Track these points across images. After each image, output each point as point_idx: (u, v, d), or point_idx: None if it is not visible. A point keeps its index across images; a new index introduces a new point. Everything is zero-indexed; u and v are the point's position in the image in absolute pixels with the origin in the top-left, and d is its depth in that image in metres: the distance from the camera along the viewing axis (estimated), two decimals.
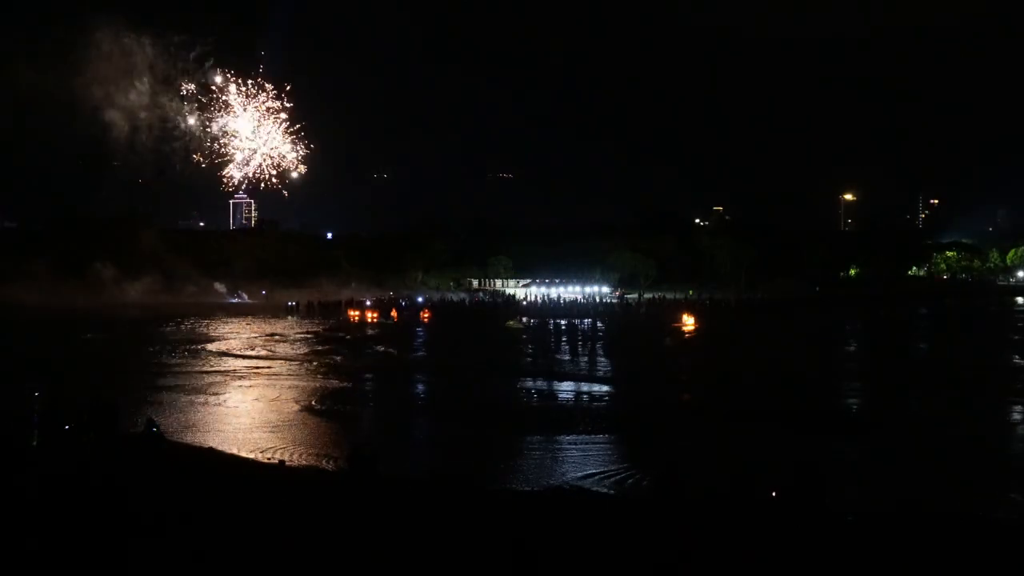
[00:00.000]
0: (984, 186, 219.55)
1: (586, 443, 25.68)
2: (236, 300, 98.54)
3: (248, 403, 32.74)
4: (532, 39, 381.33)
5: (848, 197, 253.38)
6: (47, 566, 11.86)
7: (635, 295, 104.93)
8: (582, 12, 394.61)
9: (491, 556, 11.98)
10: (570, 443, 25.66)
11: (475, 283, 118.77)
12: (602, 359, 49.03)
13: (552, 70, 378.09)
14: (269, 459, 22.52)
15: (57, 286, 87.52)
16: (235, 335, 59.73)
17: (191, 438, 25.23)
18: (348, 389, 36.91)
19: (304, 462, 22.77)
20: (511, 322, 67.76)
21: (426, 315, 77.95)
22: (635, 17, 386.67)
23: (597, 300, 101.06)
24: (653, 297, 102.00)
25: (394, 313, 77.84)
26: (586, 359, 48.00)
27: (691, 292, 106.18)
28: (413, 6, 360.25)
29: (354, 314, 76.76)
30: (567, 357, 48.82)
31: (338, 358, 47.71)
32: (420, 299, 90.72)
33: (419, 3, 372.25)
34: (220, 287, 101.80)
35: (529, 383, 38.49)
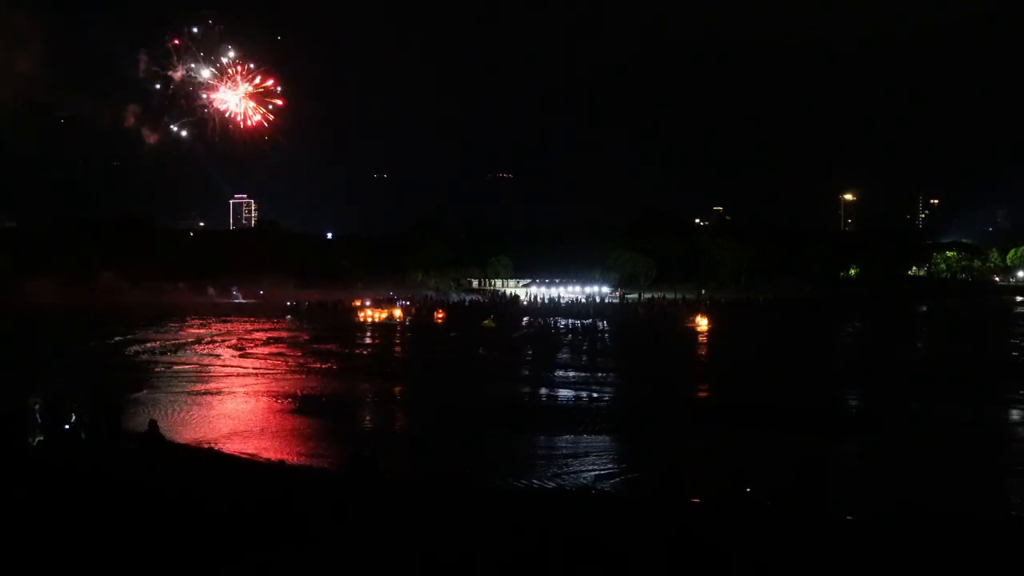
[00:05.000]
0: (984, 186, 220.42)
1: (587, 443, 25.69)
2: (234, 301, 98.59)
3: (247, 404, 32.74)
4: (533, 38, 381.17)
5: (848, 197, 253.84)
6: (49, 566, 11.86)
7: (635, 295, 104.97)
8: (586, 12, 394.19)
9: (492, 556, 11.98)
10: (571, 443, 25.68)
11: (475, 283, 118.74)
12: (607, 360, 49.00)
13: (553, 70, 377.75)
14: (268, 459, 22.52)
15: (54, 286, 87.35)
16: (234, 335, 59.70)
17: (190, 438, 25.22)
18: (349, 389, 36.93)
19: (304, 462, 22.78)
20: (486, 321, 68.40)
21: (440, 315, 77.82)
22: (638, 17, 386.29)
23: (597, 300, 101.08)
24: (652, 297, 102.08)
25: (399, 312, 77.89)
26: (588, 360, 47.98)
27: (703, 291, 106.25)
28: (413, 9, 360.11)
29: (365, 314, 76.85)
30: (575, 358, 48.82)
31: (338, 358, 47.72)
32: (401, 301, 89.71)
33: (419, 5, 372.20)
34: (216, 288, 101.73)
35: (531, 384, 38.50)
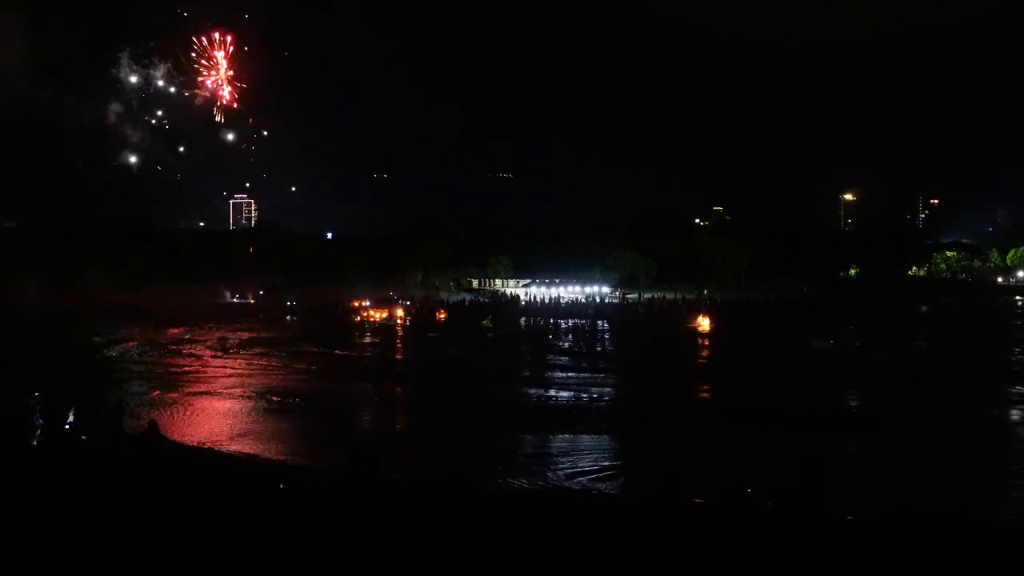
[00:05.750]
0: (984, 186, 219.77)
1: (588, 443, 25.69)
2: (234, 301, 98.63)
3: (247, 404, 32.73)
4: (533, 38, 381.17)
5: (848, 197, 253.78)
6: (49, 566, 11.86)
7: (635, 295, 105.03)
8: (586, 12, 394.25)
9: (492, 557, 11.98)
10: (570, 442, 25.67)
11: (475, 283, 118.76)
12: (607, 361, 49.00)
13: (553, 69, 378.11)
14: (268, 459, 22.53)
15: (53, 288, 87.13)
16: (233, 335, 59.70)
17: (190, 438, 25.22)
18: (348, 389, 36.93)
19: (304, 462, 22.78)
20: (484, 321, 68.62)
21: (442, 315, 77.85)
22: (641, 19, 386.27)
23: (597, 300, 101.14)
24: (652, 297, 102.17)
25: (400, 312, 77.90)
26: (588, 360, 47.96)
27: (704, 291, 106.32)
28: (414, 10, 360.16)
29: (367, 315, 76.91)
30: (564, 358, 48.80)
31: (337, 359, 47.74)
32: (400, 301, 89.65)
33: (419, 7, 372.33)
34: (216, 288, 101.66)
35: (532, 384, 38.49)
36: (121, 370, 41.58)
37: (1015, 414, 33.06)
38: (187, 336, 58.76)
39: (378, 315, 76.44)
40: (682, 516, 15.82)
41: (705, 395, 37.38)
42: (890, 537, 14.63)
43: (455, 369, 44.49)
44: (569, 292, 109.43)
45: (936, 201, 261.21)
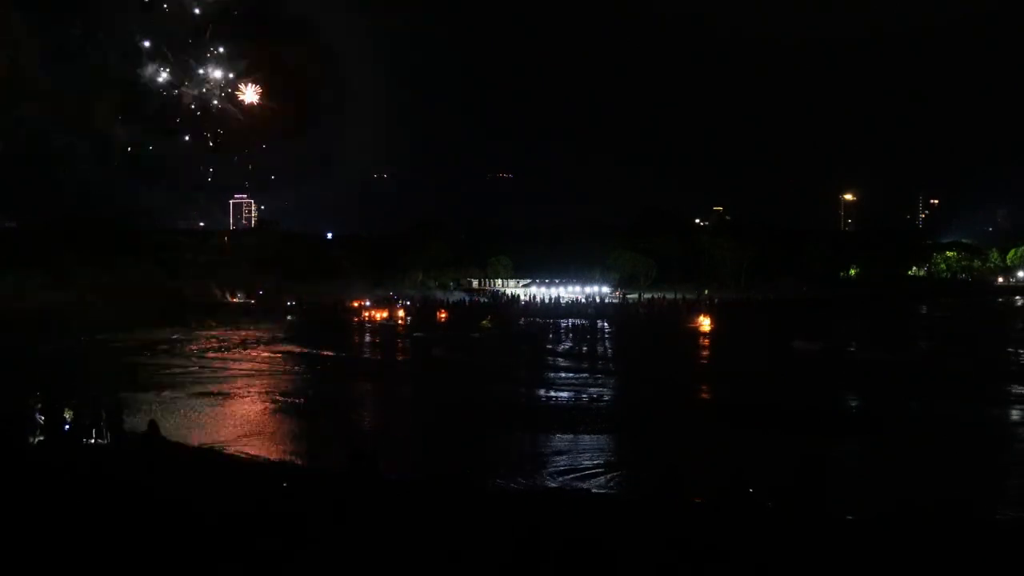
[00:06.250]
0: (984, 186, 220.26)
1: (588, 442, 25.69)
2: (234, 301, 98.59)
3: (246, 404, 32.73)
4: (533, 38, 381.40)
5: (848, 197, 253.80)
6: (49, 566, 11.86)
7: (635, 295, 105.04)
8: (591, 13, 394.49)
9: (492, 557, 11.98)
10: (570, 442, 25.67)
11: (475, 283, 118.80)
12: (610, 360, 48.99)
13: (553, 69, 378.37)
14: (268, 459, 22.52)
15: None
16: (233, 336, 59.68)
17: (190, 438, 25.21)
18: (348, 389, 36.93)
19: (304, 462, 22.78)
20: (484, 322, 68.75)
21: (443, 315, 77.82)
22: (641, 19, 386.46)
23: (597, 300, 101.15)
24: (652, 297, 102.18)
25: (401, 312, 77.89)
26: (587, 361, 47.95)
27: (704, 291, 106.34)
28: (413, 11, 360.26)
29: (368, 315, 76.93)
30: (558, 359, 48.80)
31: (338, 358, 47.71)
32: (400, 300, 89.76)
33: (418, 7, 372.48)
34: (216, 288, 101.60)
35: (532, 385, 38.47)
36: (121, 370, 41.54)
37: (1015, 414, 33.05)
38: (187, 336, 58.72)
39: (378, 315, 76.46)
40: (682, 516, 15.82)
41: (705, 395, 37.37)
42: (890, 537, 14.63)
43: (455, 369, 44.48)
44: (569, 292, 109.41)
45: (936, 201, 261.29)
